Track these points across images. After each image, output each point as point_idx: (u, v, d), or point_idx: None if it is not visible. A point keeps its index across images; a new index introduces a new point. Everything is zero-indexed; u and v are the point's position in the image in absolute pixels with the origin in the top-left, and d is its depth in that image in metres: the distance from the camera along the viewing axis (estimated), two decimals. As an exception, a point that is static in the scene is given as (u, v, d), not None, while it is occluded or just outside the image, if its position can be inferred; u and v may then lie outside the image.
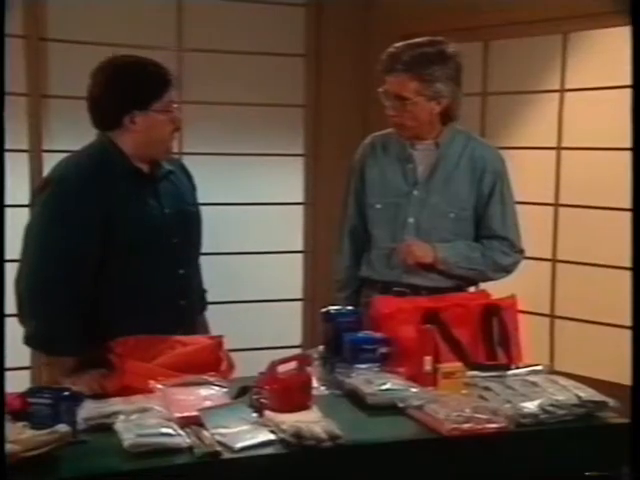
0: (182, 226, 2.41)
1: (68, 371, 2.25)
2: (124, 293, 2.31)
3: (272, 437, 1.82)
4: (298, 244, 4.40)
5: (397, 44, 2.63)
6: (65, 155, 2.46)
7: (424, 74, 2.57)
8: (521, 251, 2.76)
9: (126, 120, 2.28)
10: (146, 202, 2.35)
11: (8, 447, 1.64)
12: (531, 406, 1.99)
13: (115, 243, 2.28)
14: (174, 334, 2.29)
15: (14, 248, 3.69)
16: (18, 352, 3.46)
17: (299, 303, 4.41)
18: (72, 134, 3.91)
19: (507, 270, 2.75)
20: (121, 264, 2.30)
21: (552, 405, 2.00)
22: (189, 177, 2.57)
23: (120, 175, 2.31)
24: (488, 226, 2.71)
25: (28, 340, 2.32)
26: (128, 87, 2.27)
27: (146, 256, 2.32)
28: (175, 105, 2.32)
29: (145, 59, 2.34)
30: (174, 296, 2.38)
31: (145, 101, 2.27)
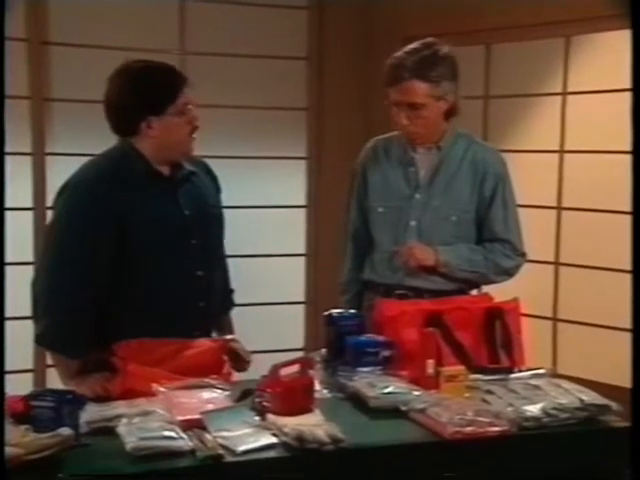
0: (202, 227, 2.40)
1: (73, 373, 2.26)
2: (141, 294, 2.31)
3: (274, 440, 1.82)
4: (300, 247, 4.40)
5: (395, 55, 2.63)
6: (88, 158, 2.46)
7: (431, 76, 2.58)
8: (523, 254, 2.76)
9: (143, 126, 2.29)
10: (164, 204, 2.35)
11: (11, 450, 1.64)
12: (534, 409, 1.99)
13: (132, 245, 2.28)
14: (192, 336, 2.30)
15: (17, 250, 3.71)
16: (21, 355, 3.48)
17: (301, 306, 4.42)
18: (75, 137, 3.94)
19: (509, 273, 2.74)
20: (138, 265, 2.30)
21: (555, 408, 2.00)
22: (213, 178, 2.56)
23: (138, 178, 2.32)
24: (490, 229, 2.71)
25: (39, 339, 2.33)
26: (142, 93, 2.28)
27: (163, 257, 2.32)
28: (190, 106, 2.32)
29: (157, 63, 2.36)
30: (192, 298, 2.37)
31: (160, 106, 2.28)
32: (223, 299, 2.58)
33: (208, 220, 2.44)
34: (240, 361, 2.40)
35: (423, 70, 2.57)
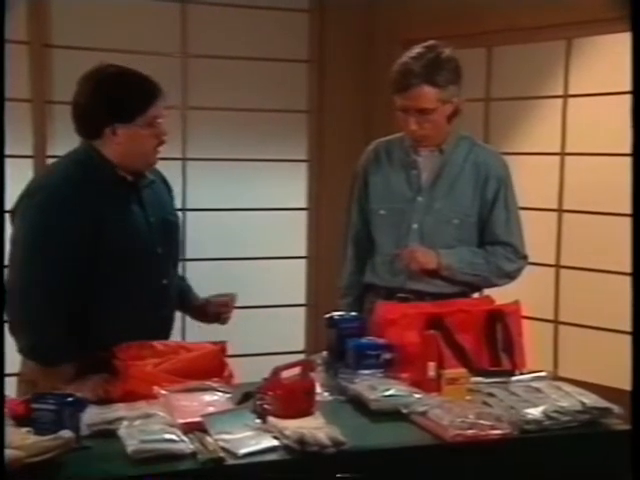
0: (164, 236, 2.40)
1: (68, 378, 2.24)
2: (111, 302, 2.30)
3: (275, 443, 1.82)
4: (302, 250, 4.40)
5: (400, 61, 2.62)
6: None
7: (439, 80, 2.58)
8: (525, 257, 2.76)
9: (108, 131, 2.27)
10: (132, 210, 2.34)
11: (12, 453, 1.64)
12: (535, 412, 1.98)
13: (102, 251, 2.26)
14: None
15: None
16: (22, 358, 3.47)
17: (303, 309, 4.41)
18: (76, 139, 3.93)
19: (511, 276, 2.74)
20: (108, 273, 2.28)
21: (556, 411, 2.00)
22: (168, 188, 2.56)
23: (106, 183, 2.30)
24: (492, 232, 2.71)
25: (21, 351, 2.29)
26: (112, 99, 2.26)
27: (132, 265, 2.31)
28: (160, 120, 2.29)
29: (133, 71, 2.32)
30: (158, 306, 2.38)
31: (128, 115, 2.25)
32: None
33: (169, 228, 2.45)
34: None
35: (431, 75, 2.57)
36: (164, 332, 2.41)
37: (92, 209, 2.25)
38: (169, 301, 2.43)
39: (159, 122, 2.30)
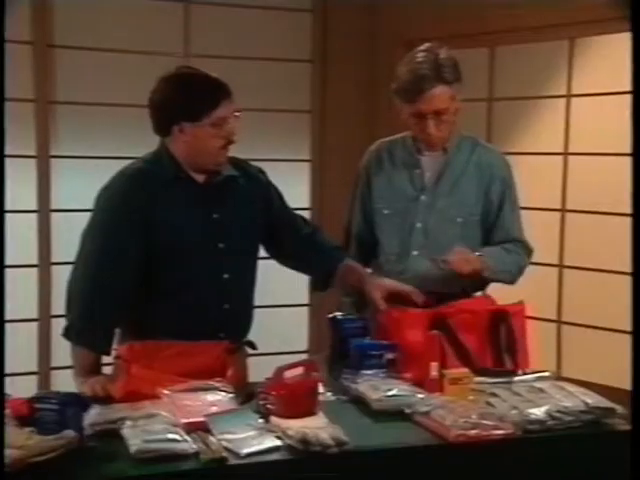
0: (231, 231, 2.41)
1: (86, 370, 2.29)
2: (166, 294, 2.35)
3: (278, 443, 1.82)
4: (304, 250, 4.39)
5: (405, 69, 2.60)
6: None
7: (447, 77, 2.58)
8: (531, 252, 2.78)
9: (175, 129, 2.33)
10: (189, 207, 2.37)
11: (15, 453, 1.64)
12: (538, 412, 1.98)
13: (155, 245, 2.32)
14: (217, 337, 2.32)
15: (21, 252, 3.70)
16: (25, 357, 3.48)
17: (305, 308, 4.41)
18: (79, 139, 3.95)
19: (523, 272, 2.75)
20: (163, 266, 2.34)
21: (559, 411, 1.99)
22: (258, 183, 2.56)
23: (165, 179, 2.36)
24: (504, 231, 2.71)
25: (65, 332, 2.35)
26: (179, 99, 2.32)
27: (186, 259, 2.35)
28: (227, 121, 2.34)
29: (202, 73, 2.39)
30: (217, 300, 2.39)
31: (193, 114, 2.31)
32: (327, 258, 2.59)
33: (241, 224, 2.44)
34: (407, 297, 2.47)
35: (441, 74, 2.56)
36: (225, 326, 2.38)
37: (145, 206, 2.32)
38: (232, 295, 2.42)
39: (226, 123, 2.34)
